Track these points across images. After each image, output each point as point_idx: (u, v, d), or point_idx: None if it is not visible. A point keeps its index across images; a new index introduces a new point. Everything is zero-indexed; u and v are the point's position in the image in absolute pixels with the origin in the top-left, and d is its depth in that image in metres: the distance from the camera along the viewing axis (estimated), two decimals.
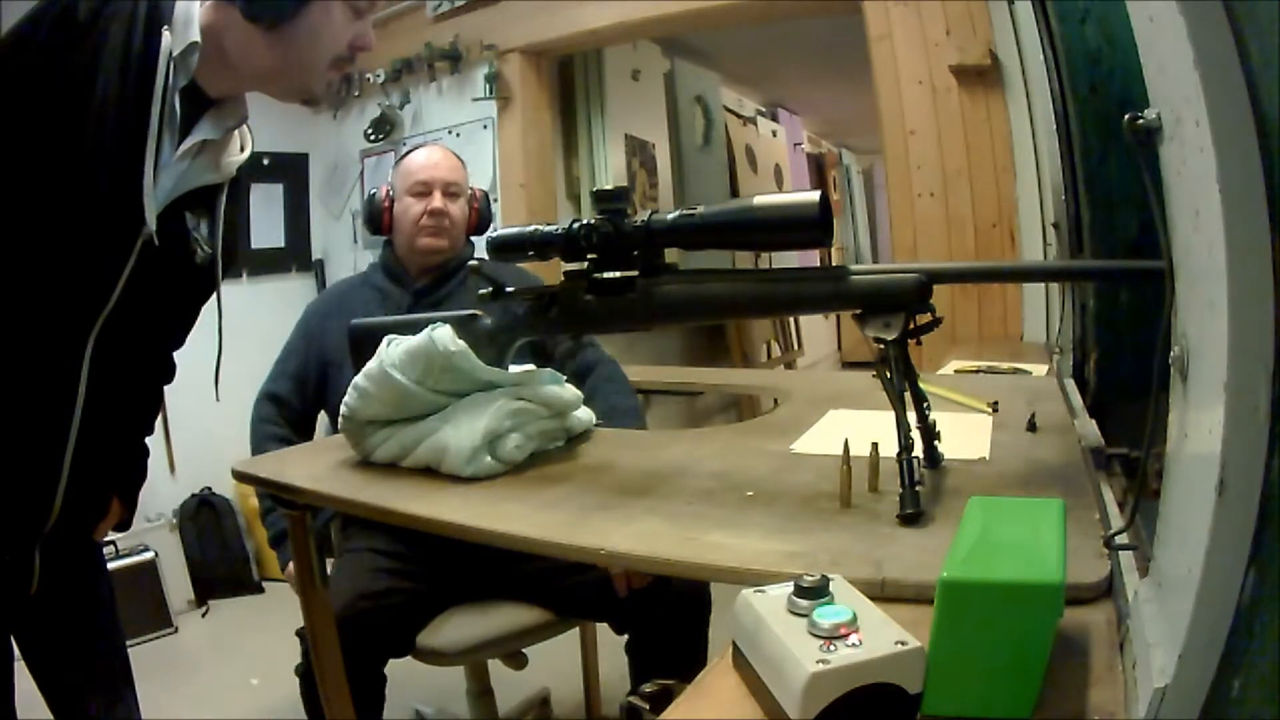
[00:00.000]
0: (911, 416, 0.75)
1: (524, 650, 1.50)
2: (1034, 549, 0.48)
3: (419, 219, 1.61)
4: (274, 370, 1.70)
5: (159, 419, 3.15)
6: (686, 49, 4.15)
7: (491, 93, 2.96)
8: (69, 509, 0.99)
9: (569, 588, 1.39)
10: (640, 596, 1.35)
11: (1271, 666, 0.33)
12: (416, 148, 1.73)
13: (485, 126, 3.04)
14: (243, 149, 1.04)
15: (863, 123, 5.33)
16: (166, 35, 0.87)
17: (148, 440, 1.22)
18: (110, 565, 2.49)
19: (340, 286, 1.79)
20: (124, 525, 1.20)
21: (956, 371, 1.62)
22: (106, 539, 1.20)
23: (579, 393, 1.06)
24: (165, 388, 1.25)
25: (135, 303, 0.94)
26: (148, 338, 1.06)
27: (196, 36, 0.89)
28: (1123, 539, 0.57)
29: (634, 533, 0.72)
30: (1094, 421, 0.97)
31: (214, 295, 1.09)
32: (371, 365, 0.96)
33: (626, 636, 1.45)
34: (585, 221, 0.87)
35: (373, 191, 1.66)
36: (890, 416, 0.71)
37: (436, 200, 1.62)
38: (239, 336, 3.76)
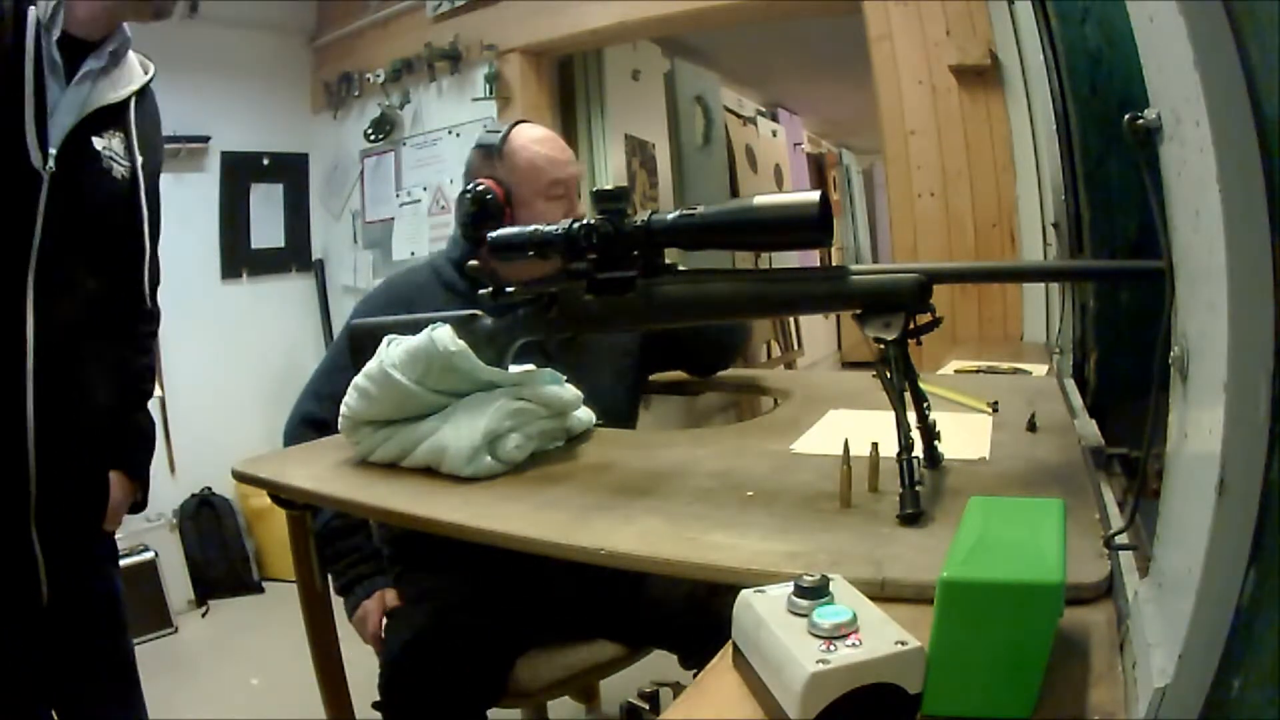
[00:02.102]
0: (911, 416, 0.75)
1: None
2: (1034, 549, 0.48)
3: None
4: (312, 387, 1.41)
5: (159, 416, 3.13)
6: (686, 49, 4.14)
7: (491, 93, 2.96)
8: (51, 483, 0.98)
9: (645, 621, 1.27)
10: (703, 629, 1.25)
11: (1271, 666, 0.33)
12: (516, 125, 1.38)
13: (485, 127, 3.04)
14: (146, 73, 1.17)
15: (863, 123, 5.33)
16: (32, 11, 1.00)
17: (151, 419, 1.21)
18: None
19: (397, 290, 1.41)
20: (138, 506, 1.19)
21: (956, 371, 1.62)
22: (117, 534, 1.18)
23: (579, 393, 1.06)
24: (161, 361, 1.25)
25: (67, 236, 0.97)
26: (94, 273, 1.09)
27: None
28: (1123, 539, 0.57)
29: (634, 533, 0.72)
30: (1094, 421, 0.97)
31: (148, 211, 1.17)
32: (371, 365, 0.96)
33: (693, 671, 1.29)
34: (585, 221, 0.87)
35: (479, 188, 1.29)
36: (890, 416, 0.71)
37: (581, 206, 1.36)
38: (239, 336, 3.75)
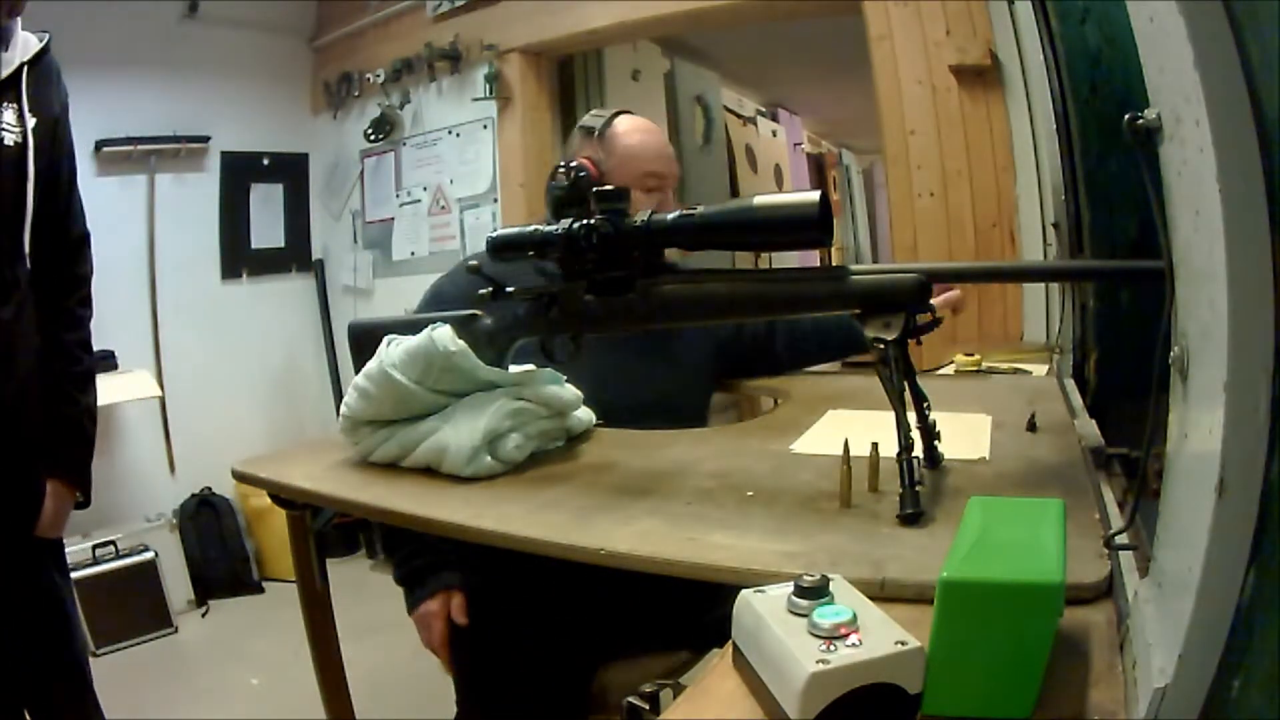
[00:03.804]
0: (911, 417, 0.75)
1: None
2: (1034, 549, 0.48)
3: None
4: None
5: (159, 416, 3.13)
6: (686, 49, 4.14)
7: (491, 93, 2.96)
8: None
9: (711, 623, 1.25)
10: None
11: (1271, 666, 0.33)
12: (619, 114, 1.38)
13: (485, 126, 3.04)
14: (40, 42, 1.25)
15: (863, 123, 5.32)
16: None
17: (89, 403, 1.21)
18: (110, 565, 2.52)
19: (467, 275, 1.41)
20: (81, 504, 1.18)
21: (957, 371, 1.62)
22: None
23: (579, 393, 1.06)
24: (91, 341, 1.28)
25: None
26: None
27: None
28: (1123, 539, 0.57)
29: (634, 533, 0.72)
30: (1094, 421, 0.97)
31: (53, 159, 1.23)
32: (371, 365, 0.96)
33: None
34: (585, 221, 0.87)
35: (574, 167, 1.23)
36: (890, 416, 0.71)
37: (671, 199, 1.34)
38: (239, 336, 3.76)
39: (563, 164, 1.28)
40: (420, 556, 1.21)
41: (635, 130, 1.36)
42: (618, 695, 1.17)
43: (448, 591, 1.19)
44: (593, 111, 1.40)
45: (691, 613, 1.20)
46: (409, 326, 0.98)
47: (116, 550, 2.54)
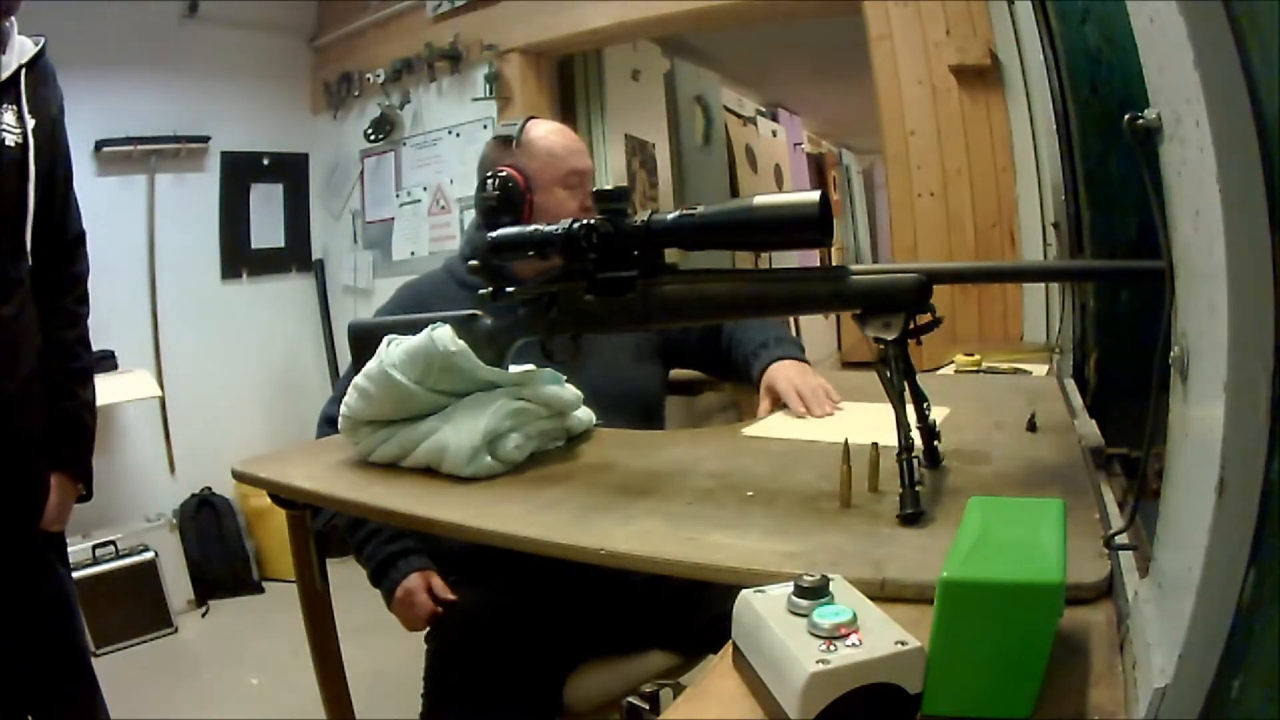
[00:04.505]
0: (912, 416, 0.75)
1: None
2: (1034, 549, 0.48)
3: (575, 215, 1.20)
4: (335, 393, 1.38)
5: (159, 416, 3.13)
6: (686, 49, 4.14)
7: (491, 93, 2.96)
8: None
9: (701, 627, 1.16)
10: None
11: (1271, 666, 0.33)
12: (530, 119, 1.41)
13: (485, 126, 3.04)
14: (36, 45, 1.28)
15: (863, 123, 5.33)
16: None
17: (89, 399, 1.23)
18: (110, 565, 2.51)
19: (416, 290, 1.42)
20: (83, 497, 1.19)
21: (957, 371, 1.62)
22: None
23: (579, 392, 1.06)
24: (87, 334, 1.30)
25: None
26: None
27: None
28: (1123, 539, 0.57)
29: (634, 533, 0.72)
30: (1094, 421, 0.97)
31: (49, 161, 1.25)
32: (371, 365, 0.96)
33: None
34: (585, 221, 0.87)
35: (500, 175, 1.31)
36: (888, 411, 0.71)
37: (589, 194, 1.35)
38: (239, 336, 3.76)
39: (489, 174, 1.32)
40: (385, 546, 1.23)
41: (553, 133, 1.40)
42: (588, 701, 1.19)
43: (423, 572, 1.22)
44: (501, 122, 1.43)
45: (666, 617, 1.21)
46: (409, 326, 0.98)
47: (116, 550, 2.53)
